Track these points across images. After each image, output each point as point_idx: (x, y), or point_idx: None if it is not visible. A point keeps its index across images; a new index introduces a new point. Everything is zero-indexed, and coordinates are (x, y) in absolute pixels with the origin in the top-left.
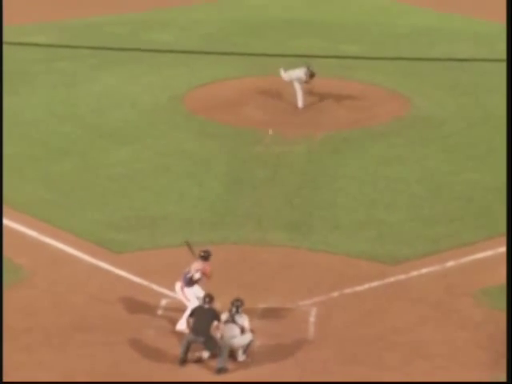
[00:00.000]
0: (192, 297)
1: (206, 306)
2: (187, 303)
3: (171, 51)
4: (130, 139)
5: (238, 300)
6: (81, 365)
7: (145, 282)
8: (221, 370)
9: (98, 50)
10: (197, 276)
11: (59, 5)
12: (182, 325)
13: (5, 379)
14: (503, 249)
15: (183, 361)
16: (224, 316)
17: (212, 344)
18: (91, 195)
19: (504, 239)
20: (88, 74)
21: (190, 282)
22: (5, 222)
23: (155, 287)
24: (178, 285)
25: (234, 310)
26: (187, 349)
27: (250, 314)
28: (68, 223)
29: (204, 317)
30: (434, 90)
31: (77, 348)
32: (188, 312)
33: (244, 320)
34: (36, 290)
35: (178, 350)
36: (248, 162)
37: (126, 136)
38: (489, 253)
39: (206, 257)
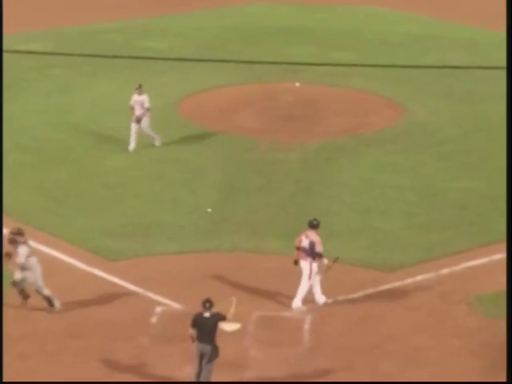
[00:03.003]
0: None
1: (207, 313)
2: (307, 280)
3: (166, 59)
4: (125, 147)
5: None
6: (75, 372)
7: (140, 290)
8: None
9: (92, 57)
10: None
11: (54, 13)
12: (298, 302)
13: None
14: (498, 256)
15: (199, 373)
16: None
17: (216, 353)
18: (86, 203)
19: (499, 246)
20: (83, 81)
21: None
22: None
23: (150, 295)
24: (305, 262)
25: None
26: (201, 363)
27: (245, 321)
28: (63, 231)
29: (207, 325)
30: (429, 97)
31: (72, 356)
32: (305, 290)
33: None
34: (31, 297)
35: (174, 361)
36: (243, 170)
37: (120, 143)
38: (483, 260)
39: (315, 225)
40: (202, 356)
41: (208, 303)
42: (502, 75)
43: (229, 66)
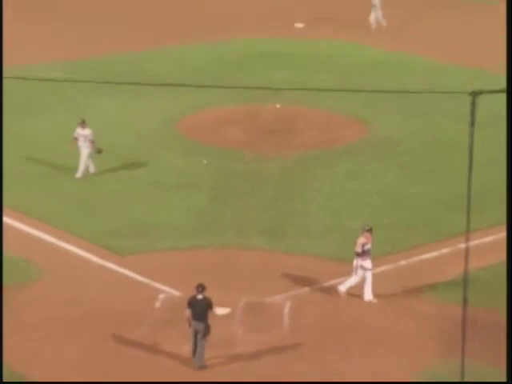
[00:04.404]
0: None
1: (200, 296)
2: (364, 274)
3: (163, 84)
4: (129, 160)
5: None
6: (88, 355)
7: (144, 280)
8: (202, 368)
9: (102, 83)
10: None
11: (72, 46)
12: (369, 296)
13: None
14: (448, 250)
15: (195, 348)
16: None
17: (208, 330)
18: (96, 208)
19: (450, 242)
20: (93, 102)
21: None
22: (26, 229)
23: (153, 284)
24: (356, 260)
25: None
26: (196, 339)
27: (234, 306)
28: (77, 231)
29: (200, 306)
30: (391, 115)
31: (85, 339)
32: (370, 281)
33: None
34: (50, 287)
35: (174, 339)
36: (230, 177)
37: (124, 158)
38: (437, 253)
39: (364, 229)
40: (196, 332)
41: (200, 287)
42: (452, 98)
43: (218, 90)
